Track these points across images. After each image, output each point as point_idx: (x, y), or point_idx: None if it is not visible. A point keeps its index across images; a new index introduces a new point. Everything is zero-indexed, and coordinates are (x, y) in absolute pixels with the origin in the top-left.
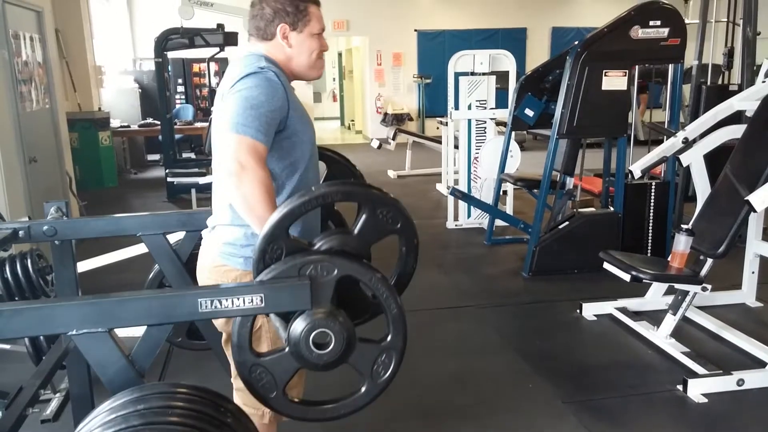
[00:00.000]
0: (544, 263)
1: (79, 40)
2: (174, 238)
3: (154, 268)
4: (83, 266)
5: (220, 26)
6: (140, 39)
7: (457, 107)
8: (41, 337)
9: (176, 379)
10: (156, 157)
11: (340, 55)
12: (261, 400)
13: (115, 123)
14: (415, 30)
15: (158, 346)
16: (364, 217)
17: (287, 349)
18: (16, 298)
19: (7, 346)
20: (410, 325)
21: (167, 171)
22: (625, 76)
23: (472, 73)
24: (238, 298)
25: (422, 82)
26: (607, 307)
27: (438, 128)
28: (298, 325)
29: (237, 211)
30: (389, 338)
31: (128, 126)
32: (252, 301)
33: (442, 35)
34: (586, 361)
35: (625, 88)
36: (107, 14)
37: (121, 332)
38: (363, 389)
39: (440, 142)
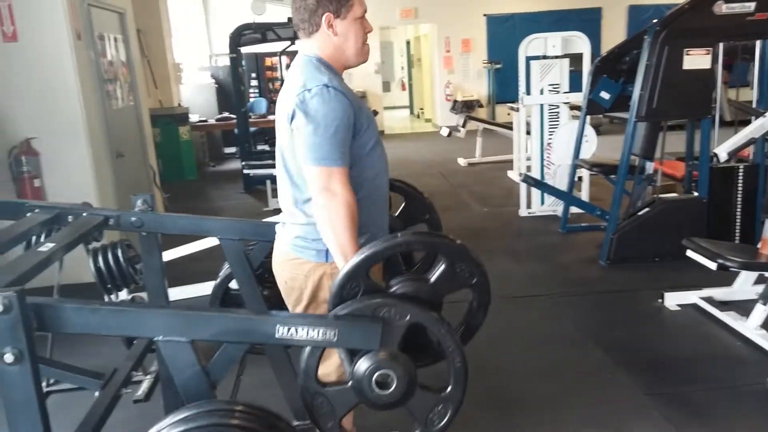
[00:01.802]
0: (622, 251)
1: (159, 39)
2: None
3: (225, 266)
4: (168, 255)
5: (291, 20)
6: (216, 36)
7: (528, 92)
8: None
9: (244, 389)
10: (232, 149)
11: (408, 43)
12: (318, 426)
13: (193, 118)
14: (484, 15)
15: (233, 362)
16: (442, 268)
17: (350, 384)
18: (109, 285)
19: None
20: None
21: (243, 163)
22: (709, 54)
23: (544, 57)
24: (313, 330)
25: (492, 68)
26: (692, 297)
27: (509, 114)
28: (363, 364)
29: (319, 230)
30: (449, 390)
31: (206, 120)
32: (325, 334)
33: (512, 19)
34: (669, 352)
35: (708, 66)
36: (184, 13)
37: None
38: None
39: (511, 129)
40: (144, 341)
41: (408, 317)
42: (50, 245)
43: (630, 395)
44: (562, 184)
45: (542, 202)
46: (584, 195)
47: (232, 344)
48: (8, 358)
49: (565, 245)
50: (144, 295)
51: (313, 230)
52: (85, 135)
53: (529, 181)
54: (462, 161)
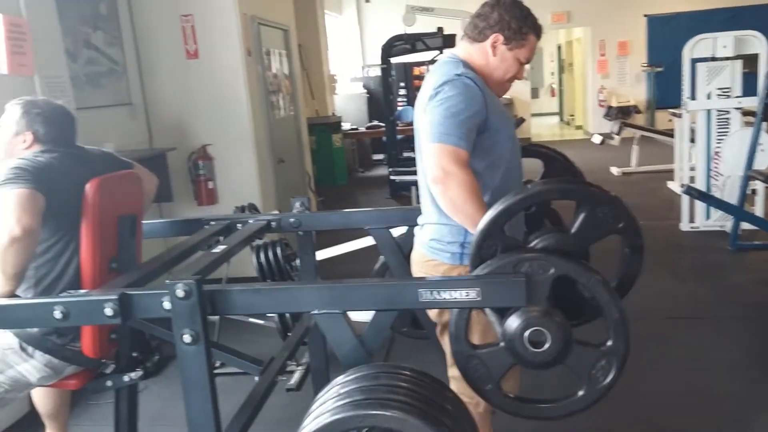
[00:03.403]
0: None
1: (317, 52)
2: (397, 232)
3: (380, 259)
4: (320, 255)
5: (440, 29)
6: (368, 47)
7: (693, 97)
8: (288, 316)
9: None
10: (380, 156)
11: (559, 47)
12: (476, 390)
13: (345, 126)
14: (645, 15)
15: (384, 329)
16: (582, 215)
17: (502, 344)
18: (268, 279)
19: (260, 322)
20: (636, 334)
21: (390, 169)
22: None
23: (712, 59)
24: (456, 291)
25: (652, 72)
26: None
27: (670, 121)
28: (513, 322)
29: (447, 214)
30: (609, 343)
31: (357, 128)
32: (468, 294)
33: (676, 19)
34: None
35: None
36: (339, 27)
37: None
38: (580, 393)
39: (672, 136)
40: (298, 333)
41: (552, 270)
42: (222, 247)
43: None
44: (732, 197)
45: (707, 216)
46: (758, 210)
47: (381, 312)
48: (187, 338)
49: (734, 264)
50: None
51: (447, 232)
52: (252, 142)
53: (693, 192)
54: (615, 170)
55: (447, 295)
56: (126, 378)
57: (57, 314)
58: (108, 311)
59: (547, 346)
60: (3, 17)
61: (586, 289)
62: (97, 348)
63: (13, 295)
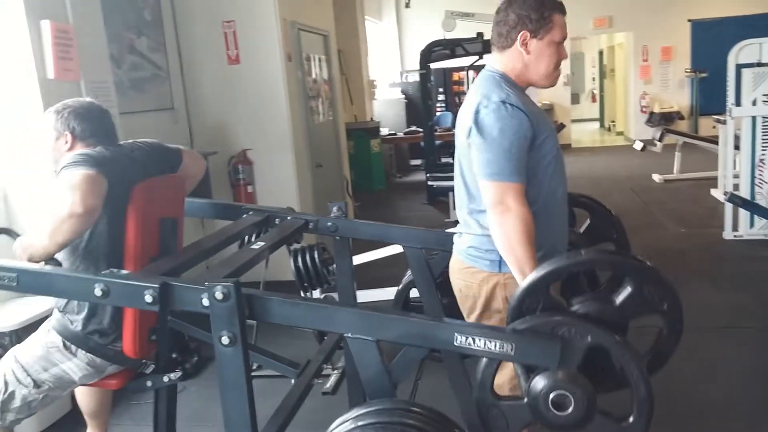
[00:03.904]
0: None
1: (356, 57)
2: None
3: (407, 273)
4: (356, 260)
5: (480, 35)
6: (407, 52)
7: (738, 103)
8: None
9: (421, 394)
10: (418, 161)
11: (600, 53)
12: None
13: (383, 131)
14: (689, 20)
15: (414, 364)
16: (629, 291)
17: (525, 401)
18: (305, 284)
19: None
20: (679, 346)
21: (428, 175)
22: None
23: (758, 64)
24: (491, 342)
25: (696, 77)
26: None
27: (714, 127)
28: (540, 382)
29: (496, 245)
30: (631, 420)
31: (395, 134)
32: (503, 347)
33: (722, 23)
34: None
35: None
36: (379, 32)
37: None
38: None
39: (716, 143)
40: (334, 337)
41: (589, 338)
42: (260, 244)
43: None
44: None
45: (751, 225)
46: None
47: (413, 348)
48: (225, 340)
49: None
50: (335, 295)
51: (487, 241)
52: (291, 147)
53: (737, 200)
54: (657, 177)
55: (481, 343)
56: (165, 378)
57: (97, 291)
58: (148, 298)
59: (569, 410)
60: (50, 23)
61: (618, 362)
62: (138, 348)
63: (51, 258)
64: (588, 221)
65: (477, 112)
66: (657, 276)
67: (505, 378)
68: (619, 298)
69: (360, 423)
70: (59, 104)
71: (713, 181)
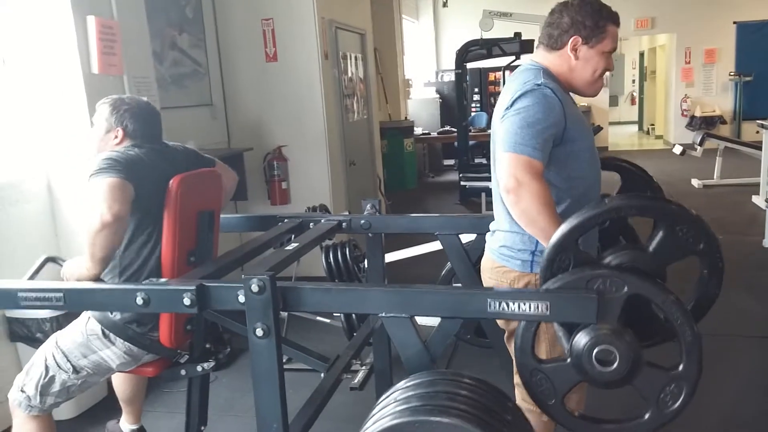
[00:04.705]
0: None
1: (392, 56)
2: (465, 238)
3: (447, 265)
4: (388, 258)
5: (517, 35)
6: (443, 52)
7: None
8: (354, 316)
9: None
10: (451, 162)
11: (641, 55)
12: (539, 405)
13: (417, 130)
14: (734, 22)
15: (449, 336)
16: (661, 234)
17: (568, 360)
18: (336, 279)
19: (327, 320)
20: (712, 353)
21: (461, 175)
22: None
23: None
24: (525, 303)
25: (740, 81)
26: None
27: (757, 132)
28: (582, 339)
29: (519, 225)
30: (681, 367)
31: (428, 133)
32: (538, 307)
33: None
34: None
35: None
36: (416, 32)
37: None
38: (647, 416)
39: (759, 148)
40: (363, 334)
41: (625, 288)
42: (294, 245)
43: None
44: None
45: None
46: None
47: (447, 320)
48: (259, 332)
49: None
50: None
51: (518, 240)
52: (326, 145)
53: None
54: (696, 183)
55: (515, 306)
56: (199, 368)
57: (139, 300)
58: (186, 300)
59: (615, 365)
60: (95, 19)
61: (660, 310)
62: (173, 338)
63: (98, 279)
64: (620, 183)
65: (516, 91)
66: (688, 215)
67: (541, 350)
68: (653, 244)
69: (405, 395)
70: (115, 97)
71: (755, 188)
